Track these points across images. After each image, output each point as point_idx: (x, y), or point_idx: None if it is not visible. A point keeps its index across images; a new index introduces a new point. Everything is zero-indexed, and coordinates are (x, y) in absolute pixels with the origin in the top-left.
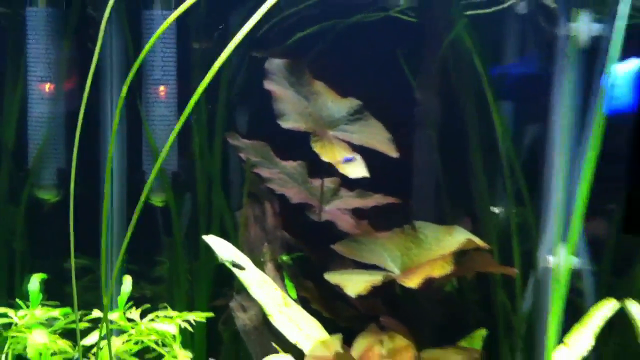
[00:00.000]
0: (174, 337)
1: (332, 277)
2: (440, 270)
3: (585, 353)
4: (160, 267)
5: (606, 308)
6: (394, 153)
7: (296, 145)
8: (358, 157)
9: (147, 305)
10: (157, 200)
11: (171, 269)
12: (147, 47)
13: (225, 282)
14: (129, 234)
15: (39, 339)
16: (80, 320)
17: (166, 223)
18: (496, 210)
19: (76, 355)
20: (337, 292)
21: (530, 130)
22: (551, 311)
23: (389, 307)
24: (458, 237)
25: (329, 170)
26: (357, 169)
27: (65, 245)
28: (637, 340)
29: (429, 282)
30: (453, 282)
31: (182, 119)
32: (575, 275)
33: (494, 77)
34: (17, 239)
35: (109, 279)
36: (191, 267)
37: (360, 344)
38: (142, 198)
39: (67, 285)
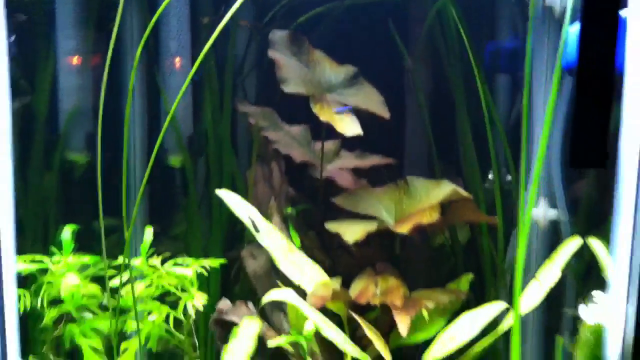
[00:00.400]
0: (191, 282)
1: (332, 226)
2: (429, 217)
3: (552, 284)
4: (179, 225)
5: (571, 245)
6: (386, 114)
7: (300, 111)
8: (349, 108)
9: (168, 253)
10: (175, 162)
11: (188, 225)
12: (158, 11)
13: (236, 235)
14: (144, 182)
15: (71, 282)
16: (108, 268)
17: (183, 183)
18: (489, 177)
19: (104, 299)
20: (337, 241)
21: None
22: (518, 247)
23: (384, 255)
24: (445, 189)
25: (331, 133)
26: (351, 127)
27: (94, 205)
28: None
29: (419, 230)
30: (445, 235)
31: (187, 80)
32: (554, 225)
33: (487, 52)
34: (51, 200)
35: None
36: (205, 224)
37: (357, 285)
38: (153, 156)
39: (96, 243)
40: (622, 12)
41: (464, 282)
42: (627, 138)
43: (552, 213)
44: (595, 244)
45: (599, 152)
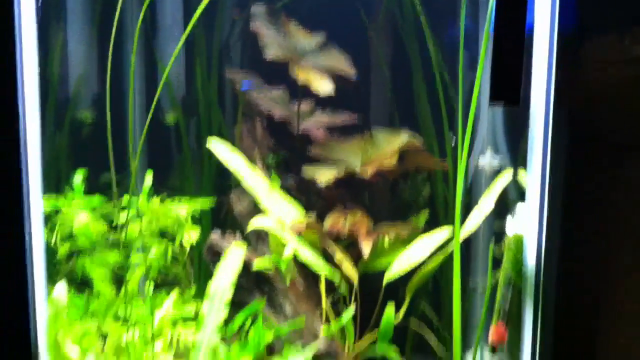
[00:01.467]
0: (185, 219)
1: (307, 171)
2: (389, 161)
3: (487, 212)
4: (174, 178)
5: (504, 177)
6: (351, 74)
7: (279, 75)
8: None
9: (165, 195)
10: (171, 119)
11: (182, 173)
12: None
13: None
14: (144, 134)
15: (83, 218)
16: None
17: (178, 138)
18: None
19: (111, 235)
20: (311, 187)
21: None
22: (457, 185)
23: (352, 197)
24: (403, 138)
25: (307, 94)
26: (325, 87)
27: (102, 161)
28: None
29: (381, 174)
30: (407, 182)
31: (178, 47)
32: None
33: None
34: (63, 157)
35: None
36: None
37: (328, 220)
38: (151, 112)
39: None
40: None
41: (421, 218)
42: (536, 88)
43: (496, 161)
44: (522, 174)
45: (513, 91)
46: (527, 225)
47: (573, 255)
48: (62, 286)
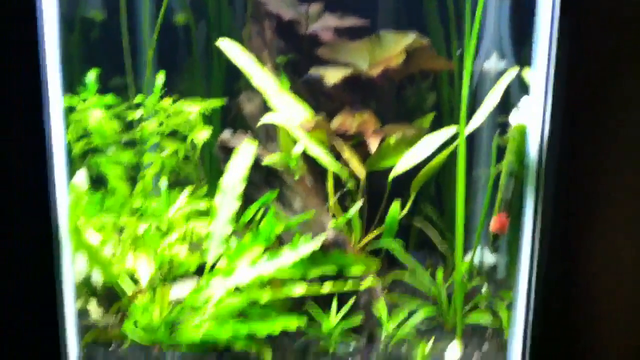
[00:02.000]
0: (196, 119)
1: (315, 71)
2: (395, 60)
3: (492, 107)
4: (185, 81)
5: (510, 74)
6: None
7: None
8: None
9: (176, 96)
10: (180, 19)
11: (193, 73)
12: None
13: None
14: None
15: (97, 115)
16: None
17: (188, 39)
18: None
19: (124, 137)
20: (319, 89)
21: None
22: (462, 87)
23: (360, 99)
24: (409, 38)
25: None
26: None
27: (113, 63)
28: None
29: (387, 74)
30: (414, 86)
31: None
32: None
33: None
34: (75, 57)
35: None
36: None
37: (337, 119)
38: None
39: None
40: None
41: (427, 120)
42: None
43: (501, 64)
44: (527, 72)
45: None
46: (530, 116)
47: (573, 146)
48: (82, 173)
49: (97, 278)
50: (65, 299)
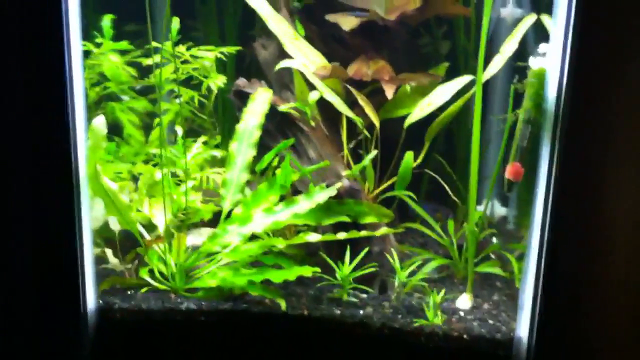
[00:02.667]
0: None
1: (331, 17)
2: (412, 5)
3: (510, 53)
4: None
5: (528, 20)
6: None
7: None
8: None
9: (191, 43)
10: None
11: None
12: None
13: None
14: None
15: (113, 59)
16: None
17: None
18: None
19: (139, 84)
20: (335, 35)
21: None
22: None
23: (375, 45)
24: None
25: None
26: None
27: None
28: None
29: (403, 20)
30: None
31: None
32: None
33: None
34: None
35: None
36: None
37: (352, 67)
38: None
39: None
40: None
41: (441, 68)
42: None
43: (517, 11)
44: (545, 18)
45: None
46: (549, 61)
47: (591, 91)
48: (101, 118)
49: (115, 224)
50: (83, 245)
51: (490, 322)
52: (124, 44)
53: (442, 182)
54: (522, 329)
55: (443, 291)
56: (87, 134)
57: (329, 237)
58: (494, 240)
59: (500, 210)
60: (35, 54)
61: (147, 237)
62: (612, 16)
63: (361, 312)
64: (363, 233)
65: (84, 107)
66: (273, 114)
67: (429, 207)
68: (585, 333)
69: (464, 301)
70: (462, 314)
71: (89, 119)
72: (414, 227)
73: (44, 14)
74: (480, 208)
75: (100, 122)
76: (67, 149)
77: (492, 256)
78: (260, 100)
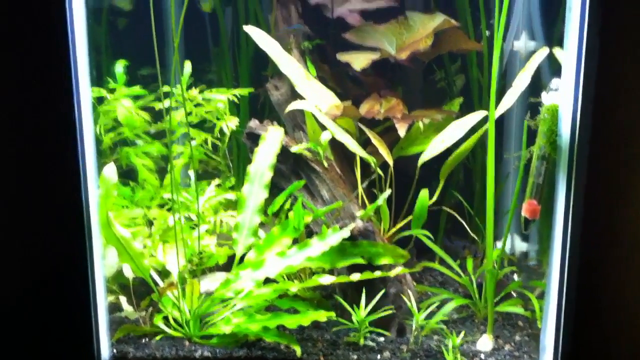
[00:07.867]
0: (224, 109)
1: (343, 57)
2: (424, 44)
3: (523, 88)
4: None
5: (541, 54)
6: None
7: None
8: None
9: (203, 86)
10: (206, 7)
11: (220, 60)
12: None
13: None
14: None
15: (126, 104)
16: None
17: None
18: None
19: (152, 128)
20: (347, 73)
21: None
22: (492, 68)
23: (388, 84)
24: (438, 19)
25: None
26: None
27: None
28: None
29: (415, 58)
30: (442, 70)
31: None
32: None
33: None
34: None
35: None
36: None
37: (364, 105)
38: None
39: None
40: None
41: (456, 104)
42: None
43: (531, 44)
44: (558, 52)
45: None
46: (562, 97)
47: (605, 123)
48: (111, 166)
49: (128, 272)
50: (97, 294)
51: None
52: (136, 90)
53: (460, 219)
54: None
55: (463, 333)
56: (97, 182)
57: (343, 278)
58: (515, 277)
59: (521, 246)
60: (45, 104)
61: (161, 283)
62: (627, 47)
63: (378, 356)
64: (377, 274)
65: (94, 155)
66: (286, 155)
67: (458, 244)
68: None
69: (485, 343)
70: (482, 356)
71: (104, 164)
72: (430, 266)
73: (52, 62)
74: (500, 245)
75: (110, 171)
76: (78, 198)
77: (514, 294)
78: (272, 140)
